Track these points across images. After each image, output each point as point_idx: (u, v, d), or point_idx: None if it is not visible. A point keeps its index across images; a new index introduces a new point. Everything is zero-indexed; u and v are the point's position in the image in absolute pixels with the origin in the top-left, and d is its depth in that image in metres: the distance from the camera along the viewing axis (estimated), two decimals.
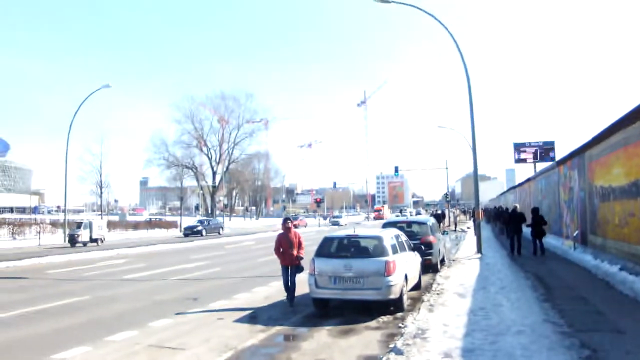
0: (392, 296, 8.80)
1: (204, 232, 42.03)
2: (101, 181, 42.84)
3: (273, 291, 11.96)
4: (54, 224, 45.15)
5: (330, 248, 9.67)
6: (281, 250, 10.14)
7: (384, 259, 8.90)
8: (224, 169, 75.71)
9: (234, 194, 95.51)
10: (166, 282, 14.30)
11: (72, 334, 8.19)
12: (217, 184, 76.84)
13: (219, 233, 43.55)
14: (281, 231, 10.45)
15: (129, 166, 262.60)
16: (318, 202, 68.57)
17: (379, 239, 9.49)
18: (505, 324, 7.41)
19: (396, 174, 60.98)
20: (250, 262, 19.39)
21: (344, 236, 9.99)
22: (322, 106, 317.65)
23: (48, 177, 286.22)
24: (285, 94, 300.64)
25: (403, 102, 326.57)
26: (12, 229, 38.34)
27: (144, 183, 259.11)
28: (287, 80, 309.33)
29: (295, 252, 10.02)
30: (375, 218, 77.76)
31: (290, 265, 10.04)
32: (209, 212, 72.31)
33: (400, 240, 10.36)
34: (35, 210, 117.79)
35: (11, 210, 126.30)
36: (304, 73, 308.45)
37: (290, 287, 10.09)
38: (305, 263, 10.03)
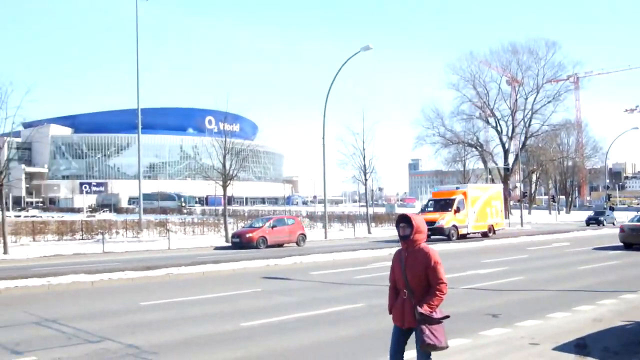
0: None
1: None
2: (365, 165, 45.19)
3: (605, 311, 11.51)
4: (310, 216, 50.27)
5: None
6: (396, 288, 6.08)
7: None
8: (519, 146, 73.31)
9: (533, 178, 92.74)
10: (454, 292, 14.55)
11: (339, 349, 8.98)
12: (510, 165, 75.46)
13: None
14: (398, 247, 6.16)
15: (395, 147, 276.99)
16: None
17: None
18: None
19: None
20: (566, 270, 19.16)
21: None
22: None
23: (300, 163, 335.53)
24: (605, 41, 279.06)
25: None
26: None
27: (413, 167, 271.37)
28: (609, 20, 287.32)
29: (413, 300, 5.65)
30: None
31: (406, 328, 5.77)
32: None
33: None
34: (288, 200, 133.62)
35: (262, 201, 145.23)
36: None
37: None
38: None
